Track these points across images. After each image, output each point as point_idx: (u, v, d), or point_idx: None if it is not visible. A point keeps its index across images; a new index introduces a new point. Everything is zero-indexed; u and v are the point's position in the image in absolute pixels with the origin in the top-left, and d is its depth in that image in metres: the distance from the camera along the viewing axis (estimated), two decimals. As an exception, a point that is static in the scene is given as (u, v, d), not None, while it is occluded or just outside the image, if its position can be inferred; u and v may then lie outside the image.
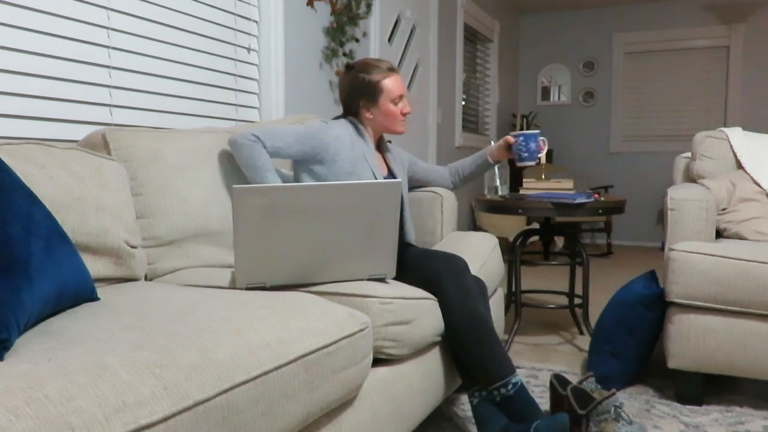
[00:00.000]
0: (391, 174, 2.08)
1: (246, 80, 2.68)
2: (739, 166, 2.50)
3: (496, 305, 2.19)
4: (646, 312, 2.17)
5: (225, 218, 1.81)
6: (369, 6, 3.35)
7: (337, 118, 2.05)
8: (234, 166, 1.89)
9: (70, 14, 1.87)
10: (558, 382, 1.78)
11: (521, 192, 2.86)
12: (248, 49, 2.69)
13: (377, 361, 1.45)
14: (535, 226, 5.21)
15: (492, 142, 2.38)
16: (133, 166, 1.66)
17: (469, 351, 1.59)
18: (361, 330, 1.28)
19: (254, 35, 2.72)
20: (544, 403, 2.03)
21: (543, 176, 2.95)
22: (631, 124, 6.46)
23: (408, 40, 4.12)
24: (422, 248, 1.85)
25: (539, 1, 6.31)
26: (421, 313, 1.51)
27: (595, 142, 6.57)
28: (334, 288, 1.44)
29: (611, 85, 6.47)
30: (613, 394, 1.66)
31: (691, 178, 2.58)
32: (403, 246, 1.91)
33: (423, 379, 1.57)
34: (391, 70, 1.99)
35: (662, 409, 2.01)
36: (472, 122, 5.67)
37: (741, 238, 2.27)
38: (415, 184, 2.32)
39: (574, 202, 2.35)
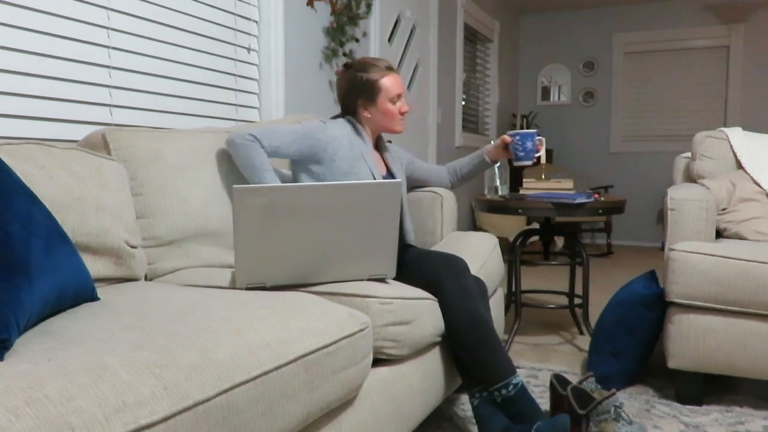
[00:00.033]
0: (389, 173, 2.07)
1: (246, 80, 2.68)
2: (739, 166, 2.50)
3: (496, 305, 2.19)
4: (646, 312, 2.17)
5: (225, 218, 1.80)
6: (369, 6, 3.35)
7: (335, 117, 2.04)
8: (234, 166, 1.89)
9: (70, 14, 1.87)
10: (558, 382, 1.78)
11: (521, 192, 2.86)
12: (248, 49, 2.69)
13: (377, 361, 1.45)
14: (535, 226, 5.21)
15: (492, 142, 2.38)
16: (133, 166, 1.66)
17: (469, 352, 1.59)
18: (361, 330, 1.28)
19: (254, 35, 2.72)
20: (544, 403, 2.03)
21: (543, 176, 2.96)
22: (631, 124, 6.46)
23: (408, 40, 4.12)
24: (422, 249, 1.85)
25: (539, 1, 6.31)
26: (421, 313, 1.51)
27: (595, 142, 6.57)
28: (334, 288, 1.44)
29: (611, 85, 6.47)
30: (613, 394, 1.66)
31: (691, 178, 2.58)
32: (403, 247, 1.90)
33: (423, 379, 1.57)
34: (390, 69, 1.99)
35: (662, 409, 2.01)
36: (472, 122, 5.67)
37: (741, 238, 2.27)
38: (413, 184, 2.32)
39: (574, 202, 2.35)
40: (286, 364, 1.06)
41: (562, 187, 2.83)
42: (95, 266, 1.46)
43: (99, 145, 1.67)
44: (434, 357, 1.65)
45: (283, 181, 2.01)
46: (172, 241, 1.69)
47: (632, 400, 2.08)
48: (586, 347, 2.71)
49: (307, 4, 2.96)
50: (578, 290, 3.56)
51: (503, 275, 2.25)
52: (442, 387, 1.69)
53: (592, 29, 6.52)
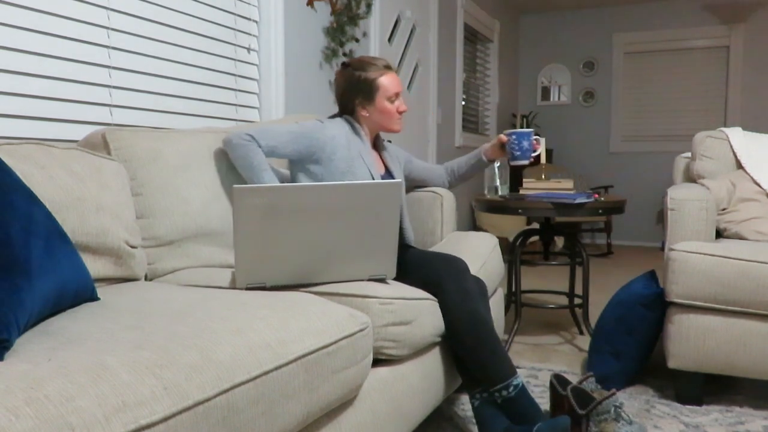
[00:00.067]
0: (388, 172, 2.07)
1: (246, 80, 2.68)
2: (739, 166, 2.50)
3: (496, 305, 2.19)
4: (646, 312, 2.17)
5: (225, 218, 1.80)
6: (369, 6, 3.35)
7: (333, 116, 2.04)
8: (234, 166, 1.89)
9: (70, 14, 1.87)
10: (558, 382, 1.78)
11: (521, 192, 2.86)
12: (248, 49, 2.69)
13: (377, 361, 1.45)
14: (535, 226, 5.21)
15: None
16: (133, 166, 1.66)
17: (470, 353, 1.59)
18: (361, 330, 1.28)
19: (254, 35, 2.72)
20: (544, 403, 2.03)
21: (543, 176, 2.95)
22: (631, 124, 6.46)
23: (408, 40, 4.12)
24: (422, 250, 1.85)
25: (539, 1, 6.31)
26: (421, 313, 1.51)
27: (595, 142, 6.57)
28: (334, 288, 1.44)
29: (611, 85, 6.47)
30: (613, 394, 1.66)
31: (691, 178, 2.58)
32: (403, 248, 1.90)
33: (423, 379, 1.57)
34: (388, 68, 1.98)
35: (662, 409, 2.01)
36: (472, 122, 5.67)
37: (741, 238, 2.27)
38: (411, 183, 2.31)
39: (574, 202, 2.35)
40: (286, 364, 1.06)
41: (562, 187, 2.83)
42: (95, 266, 1.46)
43: (99, 145, 1.67)
44: (434, 357, 1.65)
45: (281, 181, 2.01)
46: (172, 241, 1.69)
47: (632, 400, 2.08)
48: (586, 347, 2.71)
49: (307, 4, 2.96)
50: (578, 290, 3.56)
51: (503, 275, 2.25)
52: (442, 387, 1.69)
53: (592, 29, 6.52)
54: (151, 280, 1.68)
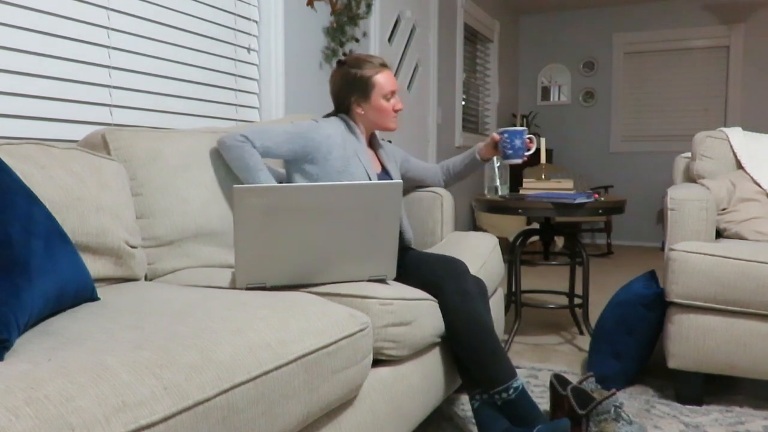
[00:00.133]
0: (384, 171, 2.06)
1: (246, 80, 2.68)
2: (739, 166, 2.50)
3: (496, 305, 2.19)
4: (646, 312, 2.17)
5: (225, 218, 1.80)
6: (369, 6, 3.35)
7: (328, 115, 2.03)
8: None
9: (70, 14, 1.87)
10: (558, 382, 1.78)
11: (521, 192, 2.86)
12: (248, 49, 2.69)
13: (377, 362, 1.45)
14: (535, 226, 5.21)
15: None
16: (132, 166, 1.66)
17: (470, 354, 1.59)
18: (361, 330, 1.28)
19: (254, 35, 2.72)
20: (544, 403, 2.03)
21: (543, 176, 2.95)
22: (631, 124, 6.46)
23: (408, 40, 4.12)
24: (421, 251, 1.84)
25: (539, 1, 6.31)
26: (420, 314, 1.51)
27: (595, 142, 6.57)
28: (334, 289, 1.44)
29: (611, 85, 6.47)
30: (613, 394, 1.66)
31: (691, 178, 2.58)
32: (402, 249, 1.89)
33: (423, 379, 1.57)
34: (384, 65, 1.97)
35: (662, 409, 2.01)
36: (472, 122, 5.67)
37: (741, 238, 2.27)
38: (408, 183, 2.30)
39: (574, 202, 2.35)
40: (286, 364, 1.06)
41: (562, 187, 2.83)
42: (95, 266, 1.46)
43: (99, 145, 1.67)
44: (434, 357, 1.65)
45: (278, 180, 2.00)
46: (172, 241, 1.69)
47: (632, 400, 2.08)
48: (586, 347, 2.71)
49: (307, 4, 2.96)
50: (578, 290, 3.56)
51: (503, 275, 2.24)
52: (442, 387, 1.69)
53: (592, 29, 6.52)
54: (151, 280, 1.68)
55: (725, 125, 6.10)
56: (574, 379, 2.26)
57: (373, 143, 2.09)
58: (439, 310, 1.62)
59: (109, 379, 0.81)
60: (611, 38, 6.45)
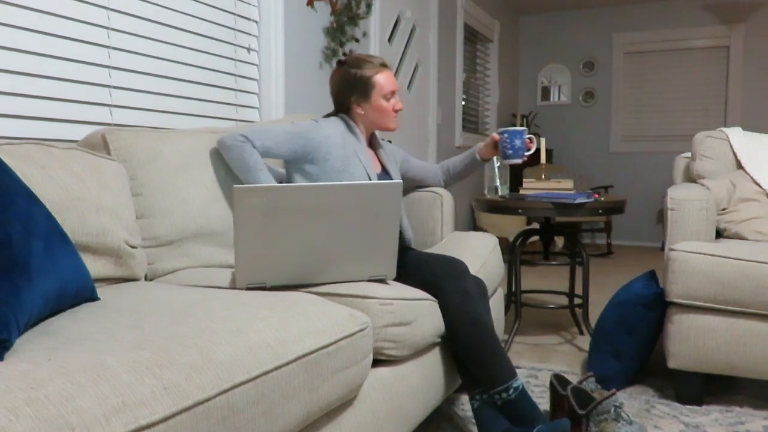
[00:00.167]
0: (384, 171, 2.06)
1: (246, 80, 2.68)
2: (739, 166, 2.50)
3: (496, 305, 2.19)
4: (646, 312, 2.17)
5: (225, 218, 1.80)
6: (369, 6, 3.35)
7: (328, 115, 2.02)
8: (234, 166, 1.89)
9: (70, 14, 1.87)
10: (558, 382, 1.78)
11: (521, 192, 2.86)
12: (248, 49, 2.69)
13: (377, 362, 1.45)
14: (535, 226, 5.21)
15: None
16: (132, 166, 1.66)
17: (470, 355, 1.59)
18: (361, 330, 1.28)
19: (254, 35, 2.72)
20: (544, 403, 2.03)
21: (543, 176, 2.95)
22: (631, 124, 6.47)
23: (408, 40, 4.12)
24: (421, 251, 1.84)
25: (539, 1, 6.31)
26: (420, 314, 1.51)
27: (595, 142, 6.57)
28: (334, 289, 1.44)
29: (611, 85, 6.47)
30: (613, 394, 1.66)
31: (691, 178, 2.58)
32: (402, 250, 1.89)
33: (423, 379, 1.57)
34: (384, 65, 1.97)
35: (662, 409, 2.01)
36: (472, 122, 5.67)
37: (741, 238, 2.27)
38: (408, 183, 2.30)
39: (574, 202, 2.35)
40: (286, 364, 1.06)
41: (562, 187, 2.83)
42: (95, 266, 1.46)
43: (99, 145, 1.67)
44: (434, 357, 1.65)
45: (278, 180, 2.00)
46: (172, 241, 1.69)
47: (632, 400, 2.08)
48: (586, 347, 2.71)
49: (307, 4, 2.96)
50: (578, 290, 3.56)
51: (503, 275, 2.24)
52: (442, 387, 1.69)
53: (592, 29, 6.52)
54: (151, 280, 1.68)
55: (725, 125, 6.10)
56: (574, 379, 2.26)
57: (373, 143, 2.08)
58: (439, 310, 1.62)
59: (109, 379, 0.81)
60: (611, 38, 6.45)
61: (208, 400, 0.90)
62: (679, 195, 2.14)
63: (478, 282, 1.77)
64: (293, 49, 2.88)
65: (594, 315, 3.23)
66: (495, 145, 2.17)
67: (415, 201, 2.29)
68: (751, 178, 2.41)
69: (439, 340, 1.63)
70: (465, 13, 5.08)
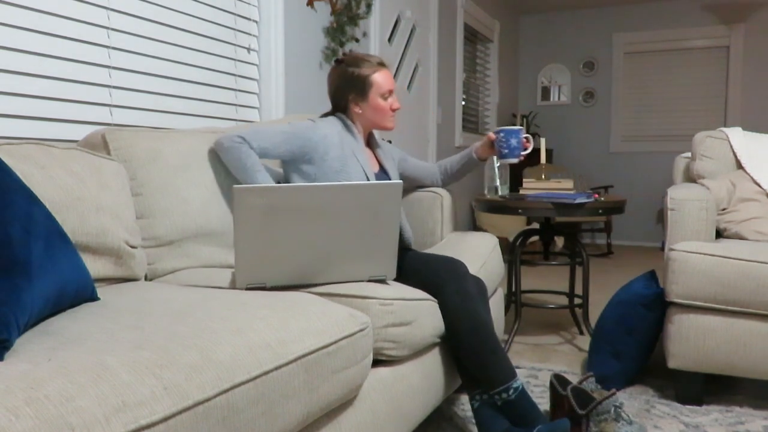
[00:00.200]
0: (382, 170, 2.05)
1: (246, 80, 2.68)
2: (739, 166, 2.50)
3: (496, 305, 2.19)
4: (646, 312, 2.17)
5: (225, 218, 1.80)
6: (369, 6, 3.35)
7: (325, 115, 2.02)
8: (234, 166, 1.89)
9: (70, 14, 1.87)
10: (558, 382, 1.78)
11: (521, 192, 2.86)
12: (248, 49, 2.69)
13: (377, 362, 1.45)
14: (535, 226, 5.21)
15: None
16: (132, 166, 1.66)
17: (470, 355, 1.59)
18: (361, 330, 1.28)
19: (254, 35, 2.72)
20: (544, 403, 2.03)
21: (543, 176, 2.96)
22: (631, 124, 6.47)
23: (408, 40, 4.12)
24: (421, 252, 1.84)
25: (539, 1, 6.31)
26: (421, 314, 1.51)
27: (595, 142, 6.57)
28: (334, 289, 1.44)
29: (611, 85, 6.47)
30: (613, 394, 1.66)
31: (691, 178, 2.58)
32: (402, 250, 1.89)
33: (423, 379, 1.57)
34: (381, 64, 1.96)
35: (662, 409, 2.01)
36: (472, 122, 5.67)
37: (741, 238, 2.27)
38: (405, 182, 2.28)
39: (574, 202, 2.35)
40: (286, 364, 1.06)
41: (562, 187, 2.83)
42: (95, 266, 1.46)
43: (99, 145, 1.67)
44: (434, 357, 1.65)
45: (276, 180, 2.00)
46: (172, 241, 1.69)
47: (632, 400, 2.08)
48: (586, 347, 2.71)
49: (307, 4, 2.96)
50: (578, 290, 3.56)
51: (503, 275, 2.24)
52: (442, 387, 1.69)
53: (592, 29, 6.52)
54: (151, 280, 1.68)
55: (725, 125, 6.10)
56: (574, 379, 2.26)
57: (370, 142, 2.08)
58: (439, 311, 1.62)
59: (109, 379, 0.81)
60: (611, 38, 6.45)
61: (208, 400, 0.90)
62: (679, 195, 2.14)
63: (478, 282, 1.77)
64: (293, 49, 2.88)
65: (594, 315, 3.23)
66: (491, 145, 2.16)
67: (415, 201, 2.29)
68: (751, 178, 2.41)
69: (439, 340, 1.63)
70: (465, 13, 5.08)
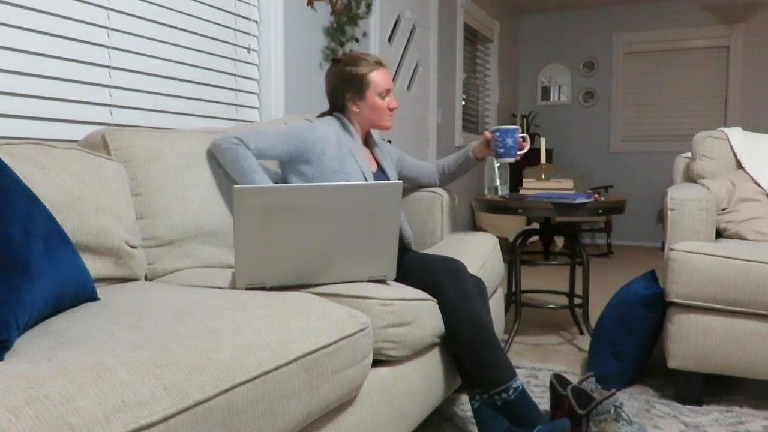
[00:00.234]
0: (380, 170, 2.05)
1: (246, 80, 2.68)
2: (739, 166, 2.50)
3: (496, 305, 2.19)
4: (646, 312, 2.17)
5: (225, 218, 1.80)
6: (369, 6, 3.35)
7: (323, 115, 2.02)
8: (234, 167, 1.89)
9: (70, 14, 1.87)
10: (558, 382, 1.78)
11: (521, 192, 2.86)
12: (248, 49, 2.69)
13: (377, 362, 1.45)
14: (535, 226, 5.21)
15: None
16: (132, 166, 1.66)
17: (470, 355, 1.59)
18: (361, 330, 1.28)
19: (254, 35, 2.72)
20: (544, 403, 2.03)
21: (543, 176, 2.96)
22: (631, 124, 6.47)
23: (408, 40, 4.12)
24: (420, 252, 1.84)
25: (539, 1, 6.31)
26: (420, 314, 1.51)
27: (595, 142, 6.57)
28: (334, 289, 1.44)
29: (611, 85, 6.47)
30: (613, 394, 1.66)
31: (691, 178, 2.58)
32: (401, 250, 1.88)
33: (423, 379, 1.57)
34: (379, 63, 1.96)
35: (662, 409, 2.01)
36: (472, 122, 5.67)
37: (741, 238, 2.27)
38: (402, 181, 2.28)
39: (574, 202, 2.35)
40: (286, 364, 1.06)
41: (562, 187, 2.83)
42: (95, 266, 1.46)
43: (99, 145, 1.67)
44: (434, 357, 1.65)
45: (274, 181, 1.99)
46: (172, 241, 1.69)
47: (632, 400, 2.08)
48: (586, 347, 2.71)
49: (307, 4, 2.96)
50: (578, 290, 3.55)
51: (503, 275, 2.24)
52: (442, 387, 1.69)
53: (592, 29, 6.52)
54: (151, 280, 1.68)
55: (725, 125, 6.10)
56: (574, 379, 2.26)
57: (368, 142, 2.08)
58: (438, 311, 1.62)
59: (109, 379, 0.81)
60: (611, 38, 6.45)
61: (208, 400, 0.90)
62: (679, 195, 2.14)
63: (478, 282, 1.76)
64: (293, 49, 2.88)
65: (594, 315, 3.23)
66: (488, 144, 2.15)
67: (415, 201, 2.29)
68: (751, 178, 2.41)
69: (439, 340, 1.63)
70: (465, 13, 5.08)
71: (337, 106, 1.99)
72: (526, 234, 2.75)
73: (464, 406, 2.03)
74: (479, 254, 2.03)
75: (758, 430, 1.85)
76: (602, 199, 2.50)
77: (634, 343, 2.18)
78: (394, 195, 1.41)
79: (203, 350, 0.95)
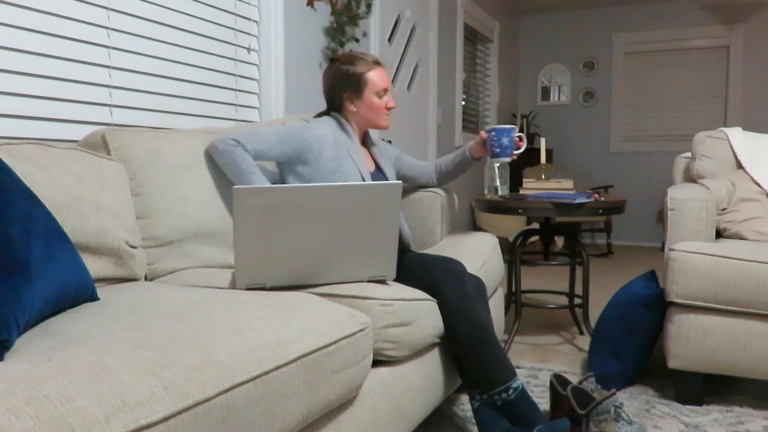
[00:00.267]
0: (378, 169, 2.04)
1: (246, 80, 2.68)
2: (739, 166, 2.50)
3: (496, 305, 2.19)
4: (646, 312, 2.17)
5: (225, 218, 1.80)
6: (369, 6, 3.35)
7: (320, 115, 2.01)
8: (234, 167, 1.88)
9: (70, 14, 1.87)
10: (558, 382, 1.78)
11: (521, 192, 2.85)
12: (248, 49, 2.69)
13: (377, 362, 1.45)
14: (535, 226, 5.21)
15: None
16: (132, 166, 1.66)
17: (469, 355, 1.59)
18: (361, 330, 1.28)
19: (254, 35, 2.72)
20: (544, 403, 2.03)
21: (543, 176, 2.96)
22: (631, 124, 6.46)
23: (408, 40, 4.12)
24: (419, 253, 1.84)
25: (539, 1, 6.31)
26: (420, 314, 1.51)
27: (595, 142, 6.57)
28: (334, 289, 1.44)
29: (611, 85, 6.47)
30: (613, 394, 1.66)
31: (691, 178, 2.58)
32: (401, 251, 1.88)
33: (423, 380, 1.57)
34: (376, 63, 1.95)
35: (662, 409, 2.01)
36: (472, 122, 5.67)
37: (741, 238, 2.27)
38: (400, 180, 2.27)
39: (574, 202, 2.35)
40: (286, 364, 1.06)
41: (562, 187, 2.83)
42: (95, 266, 1.46)
43: (99, 145, 1.67)
44: (434, 357, 1.65)
45: (272, 181, 1.99)
46: (172, 242, 1.69)
47: (632, 400, 2.08)
48: (586, 347, 2.71)
49: (307, 4, 2.96)
50: (578, 290, 3.55)
51: (503, 275, 2.24)
52: (442, 387, 1.69)
53: (592, 29, 6.52)
54: (151, 280, 1.68)
55: (725, 125, 6.10)
56: (574, 379, 2.26)
57: (366, 141, 2.07)
58: (438, 311, 1.62)
59: (109, 379, 0.81)
60: (611, 38, 6.45)
61: (208, 400, 0.90)
62: (679, 195, 2.14)
63: (478, 282, 1.76)
64: (293, 49, 2.88)
65: (594, 315, 3.23)
66: (485, 143, 2.13)
67: (414, 201, 2.29)
68: (751, 178, 2.41)
69: (438, 340, 1.63)
70: (465, 13, 5.08)
71: (334, 106, 1.99)
72: (526, 234, 2.75)
73: (464, 406, 2.03)
74: (479, 254, 2.03)
75: (758, 430, 1.85)
76: (602, 199, 2.50)
77: (634, 343, 2.18)
78: (394, 195, 1.41)
79: (203, 350, 0.95)
